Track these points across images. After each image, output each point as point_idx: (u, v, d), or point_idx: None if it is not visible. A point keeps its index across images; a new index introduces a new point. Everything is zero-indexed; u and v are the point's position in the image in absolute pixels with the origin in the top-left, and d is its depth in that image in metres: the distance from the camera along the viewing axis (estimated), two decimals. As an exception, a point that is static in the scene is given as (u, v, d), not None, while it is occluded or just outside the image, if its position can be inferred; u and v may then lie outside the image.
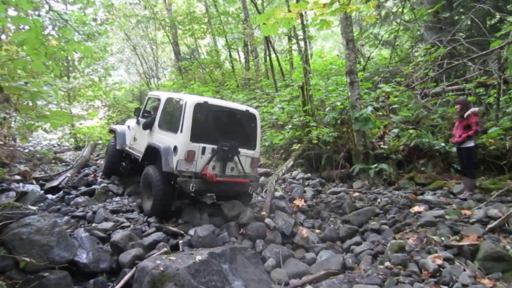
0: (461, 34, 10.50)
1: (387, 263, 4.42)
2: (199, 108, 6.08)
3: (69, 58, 16.48)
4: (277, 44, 22.15)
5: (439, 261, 4.12)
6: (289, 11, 5.26)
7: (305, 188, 7.74)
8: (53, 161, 10.19)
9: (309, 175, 8.67)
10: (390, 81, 10.90)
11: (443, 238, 4.67)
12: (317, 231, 6.12)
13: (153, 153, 6.40)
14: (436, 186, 7.22)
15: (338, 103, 9.43)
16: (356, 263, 4.95)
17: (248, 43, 17.69)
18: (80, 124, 15.07)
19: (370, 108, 8.38)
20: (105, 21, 17.47)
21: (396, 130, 8.58)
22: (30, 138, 14.52)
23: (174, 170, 5.83)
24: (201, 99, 6.44)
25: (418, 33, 11.87)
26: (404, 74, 10.79)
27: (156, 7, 20.45)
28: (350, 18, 8.79)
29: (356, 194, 7.30)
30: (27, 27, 5.14)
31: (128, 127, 8.30)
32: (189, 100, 6.14)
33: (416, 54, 11.93)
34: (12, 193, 6.14)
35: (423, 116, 8.91)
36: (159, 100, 7.13)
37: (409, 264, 4.29)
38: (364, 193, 7.34)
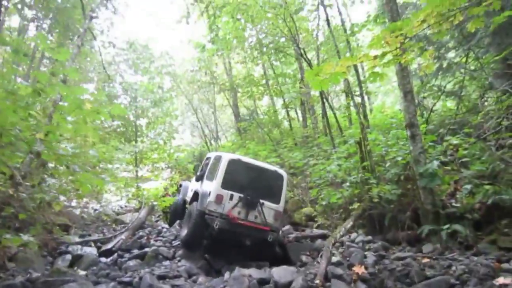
0: (535, 78, 9.50)
1: None
2: (233, 163, 7.57)
3: (138, 123, 17.84)
4: (335, 101, 22.14)
5: None
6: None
7: (366, 253, 6.99)
8: (113, 223, 10.53)
9: (370, 237, 7.91)
10: (458, 133, 10.01)
11: (539, 320, 3.76)
12: (381, 304, 5.34)
13: (196, 196, 7.86)
14: (525, 251, 6.09)
15: (400, 158, 8.79)
16: None
17: (305, 102, 17.84)
18: (138, 186, 15.52)
19: (436, 163, 7.61)
20: (170, 89, 18.90)
21: (469, 186, 7.61)
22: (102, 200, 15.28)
23: (205, 209, 7.19)
24: (235, 156, 7.98)
25: (486, 82, 11.00)
26: (473, 124, 9.89)
27: (216, 72, 21.78)
28: (406, 69, 8.43)
29: (426, 260, 6.37)
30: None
31: (190, 181, 10.02)
32: (225, 156, 7.73)
33: (486, 103, 10.98)
34: (69, 256, 6.32)
35: (501, 170, 7.86)
36: (210, 158, 8.75)
37: None
38: (436, 258, 6.39)
